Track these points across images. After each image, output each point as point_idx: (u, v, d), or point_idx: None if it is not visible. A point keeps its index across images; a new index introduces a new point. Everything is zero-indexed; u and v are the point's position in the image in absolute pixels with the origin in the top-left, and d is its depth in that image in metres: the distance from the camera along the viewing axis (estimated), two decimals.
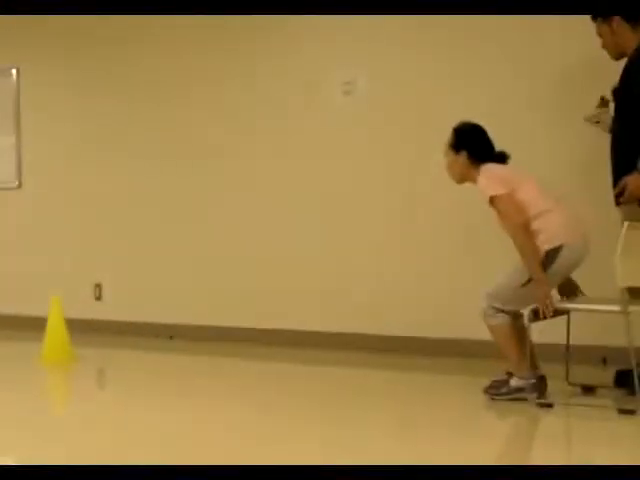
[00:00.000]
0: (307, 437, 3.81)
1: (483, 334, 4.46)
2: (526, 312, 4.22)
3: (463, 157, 4.45)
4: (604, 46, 4.56)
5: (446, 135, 4.56)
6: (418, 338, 5.69)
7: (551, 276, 4.23)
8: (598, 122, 4.76)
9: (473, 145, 4.46)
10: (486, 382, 4.41)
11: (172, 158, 6.65)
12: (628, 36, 4.44)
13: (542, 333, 4.49)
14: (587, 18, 4.58)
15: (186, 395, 4.71)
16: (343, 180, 6.00)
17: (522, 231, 4.22)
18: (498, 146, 4.52)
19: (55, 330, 5.73)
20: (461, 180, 4.52)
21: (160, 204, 6.71)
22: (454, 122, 4.53)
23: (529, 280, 4.22)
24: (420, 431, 3.88)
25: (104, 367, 5.87)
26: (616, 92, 4.50)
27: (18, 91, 7.31)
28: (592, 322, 4.57)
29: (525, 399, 4.26)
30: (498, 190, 4.28)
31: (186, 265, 6.60)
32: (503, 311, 4.30)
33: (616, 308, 4.02)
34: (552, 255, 4.21)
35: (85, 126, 7.00)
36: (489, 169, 4.39)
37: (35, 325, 6.21)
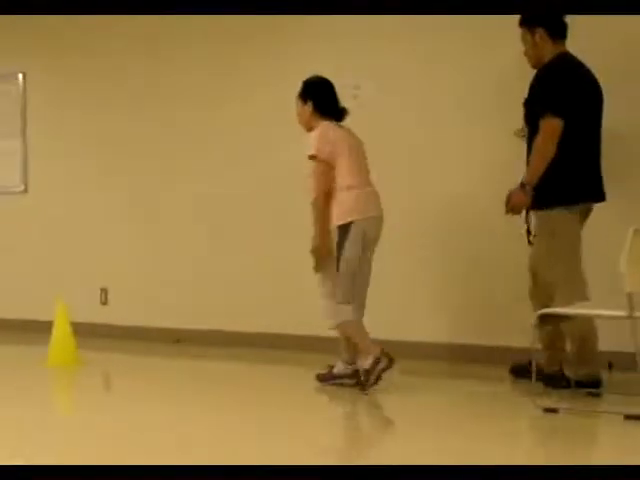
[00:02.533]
0: (311, 438, 3.82)
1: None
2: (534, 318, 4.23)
3: (309, 107, 4.79)
4: (526, 53, 4.69)
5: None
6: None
7: (351, 245, 4.61)
8: (524, 136, 4.79)
9: (318, 98, 4.80)
10: None
11: (179, 164, 6.67)
12: (548, 49, 4.57)
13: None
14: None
15: (191, 399, 4.72)
16: None
17: (321, 201, 4.65)
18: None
19: (61, 334, 5.74)
20: (308, 129, 4.83)
21: (166, 209, 6.73)
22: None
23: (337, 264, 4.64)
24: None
25: (110, 371, 5.88)
26: (525, 103, 4.58)
27: (24, 96, 7.35)
28: (598, 327, 4.57)
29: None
30: (320, 153, 4.64)
31: (192, 270, 6.61)
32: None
33: (622, 313, 4.02)
34: (344, 230, 4.63)
35: (91, 131, 7.02)
36: (325, 127, 4.72)
37: (41, 329, 6.22)
